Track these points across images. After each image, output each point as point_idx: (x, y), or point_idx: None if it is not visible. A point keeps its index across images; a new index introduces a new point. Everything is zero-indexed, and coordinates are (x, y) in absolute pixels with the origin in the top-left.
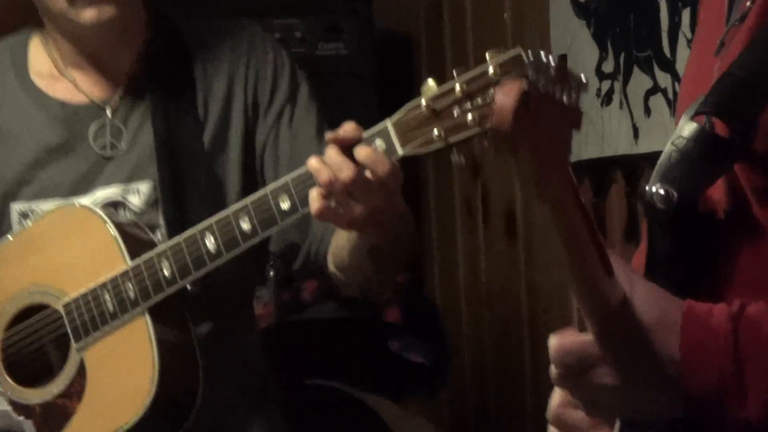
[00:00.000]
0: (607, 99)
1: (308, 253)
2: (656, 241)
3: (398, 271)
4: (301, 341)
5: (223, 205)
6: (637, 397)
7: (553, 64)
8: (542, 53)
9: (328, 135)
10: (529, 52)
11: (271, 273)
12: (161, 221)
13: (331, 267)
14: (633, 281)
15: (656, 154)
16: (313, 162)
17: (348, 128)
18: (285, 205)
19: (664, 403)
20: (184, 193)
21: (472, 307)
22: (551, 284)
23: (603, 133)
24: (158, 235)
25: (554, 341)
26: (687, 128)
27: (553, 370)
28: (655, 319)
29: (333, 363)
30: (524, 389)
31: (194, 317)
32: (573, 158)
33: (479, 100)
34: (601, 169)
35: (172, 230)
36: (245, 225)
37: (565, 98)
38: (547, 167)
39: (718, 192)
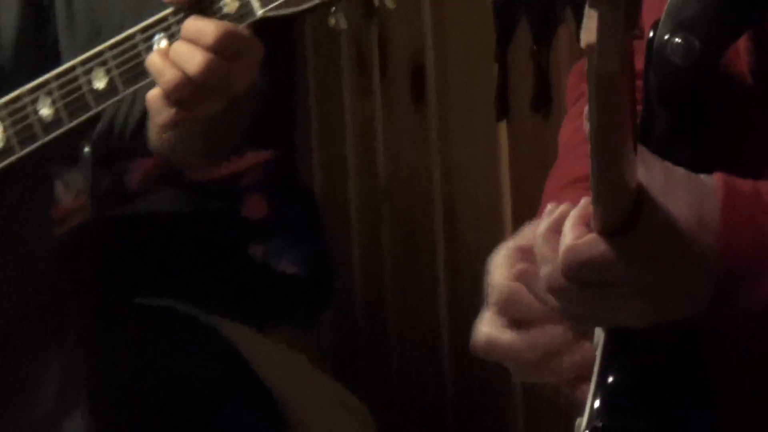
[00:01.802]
0: None
1: (111, 123)
2: (653, 109)
3: (242, 130)
4: (126, 245)
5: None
6: (657, 307)
7: None
8: None
9: None
10: None
11: (85, 150)
12: None
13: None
14: (659, 178)
15: None
16: (153, 59)
17: None
18: (101, 83)
19: (687, 304)
20: None
21: (365, 197)
22: (474, 162)
23: None
24: None
25: (571, 239)
26: None
27: (554, 272)
28: (688, 218)
29: (170, 275)
30: (437, 310)
31: None
32: None
33: None
34: (544, 5)
35: None
36: (46, 110)
37: None
38: (634, 19)
39: (740, 42)
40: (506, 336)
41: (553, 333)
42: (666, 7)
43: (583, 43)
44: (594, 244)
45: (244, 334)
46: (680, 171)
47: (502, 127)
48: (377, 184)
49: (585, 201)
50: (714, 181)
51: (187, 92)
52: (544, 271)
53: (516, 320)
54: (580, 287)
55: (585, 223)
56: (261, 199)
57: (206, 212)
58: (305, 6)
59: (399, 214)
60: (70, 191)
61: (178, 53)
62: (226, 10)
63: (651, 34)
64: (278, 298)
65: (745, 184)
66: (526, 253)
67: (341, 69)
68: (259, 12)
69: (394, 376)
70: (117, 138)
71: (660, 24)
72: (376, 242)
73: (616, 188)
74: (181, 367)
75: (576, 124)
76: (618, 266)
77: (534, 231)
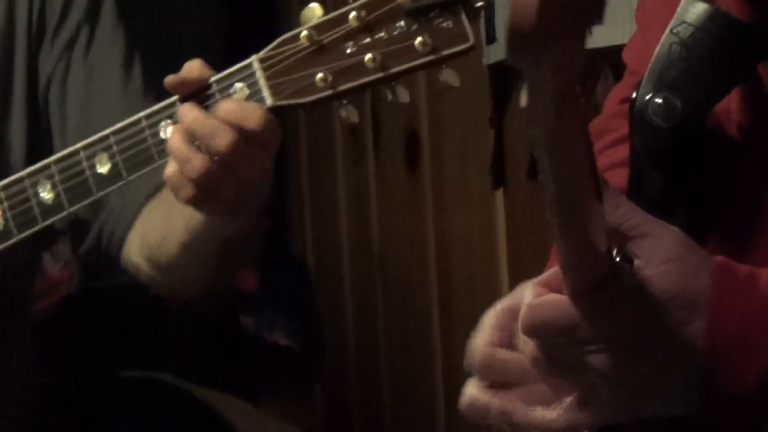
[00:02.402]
0: None
1: (99, 236)
2: (642, 172)
3: (241, 269)
4: (114, 316)
5: (6, 168)
6: (636, 389)
7: None
8: None
9: (169, 79)
10: None
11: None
12: None
13: (136, 257)
14: (650, 236)
15: (617, 50)
16: (193, 113)
17: (192, 67)
18: (104, 168)
19: (662, 403)
20: None
21: (358, 267)
22: (470, 232)
23: None
24: None
25: (529, 301)
26: (692, 10)
27: (528, 346)
28: (672, 283)
29: (161, 347)
30: (434, 384)
31: None
32: (496, 56)
33: (383, 34)
34: None
35: None
36: (46, 194)
37: None
38: (567, 78)
39: (730, 101)
40: (488, 398)
41: (534, 391)
42: (649, 65)
43: (521, 103)
44: (555, 302)
45: (235, 407)
46: (682, 244)
47: (499, 196)
48: (371, 254)
49: (555, 269)
50: (711, 259)
51: (214, 175)
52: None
53: (496, 382)
54: (550, 350)
55: (546, 285)
56: (252, 271)
57: None
58: (315, 97)
59: (393, 283)
60: (57, 262)
61: (207, 130)
62: (236, 97)
63: (633, 94)
64: (270, 371)
65: (743, 269)
66: (515, 314)
67: (333, 136)
68: (270, 100)
69: None
70: (104, 248)
71: (642, 83)
72: (370, 313)
73: (581, 248)
74: None
75: None
76: (580, 323)
77: (523, 292)
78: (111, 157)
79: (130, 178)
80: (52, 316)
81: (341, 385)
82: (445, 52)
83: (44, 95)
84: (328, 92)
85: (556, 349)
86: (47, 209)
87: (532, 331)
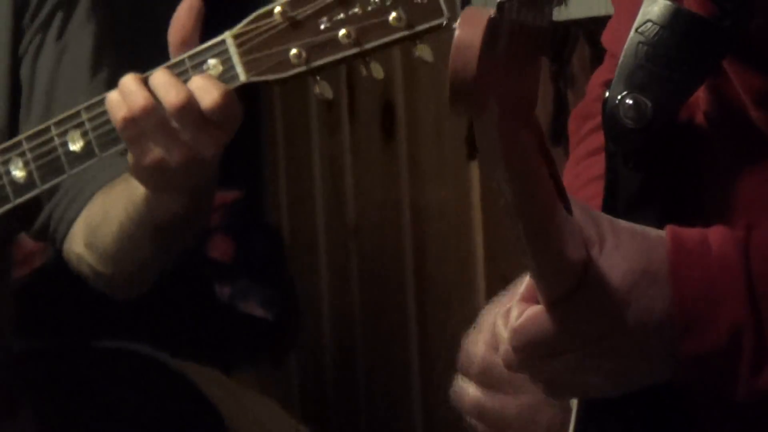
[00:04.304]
0: None
1: (48, 219)
2: (617, 173)
3: (176, 256)
4: (87, 286)
5: None
6: (617, 375)
7: None
8: None
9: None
10: None
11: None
12: None
13: (78, 247)
14: (602, 235)
15: (597, 20)
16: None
17: (175, 37)
18: (76, 145)
19: (648, 373)
20: None
21: (333, 236)
22: (445, 201)
23: None
24: None
25: (513, 324)
26: (655, 9)
27: (507, 352)
28: (632, 272)
29: (133, 317)
30: (408, 352)
31: None
32: None
33: (357, 9)
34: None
35: None
36: (18, 172)
37: (535, 18)
38: (516, 120)
39: (697, 94)
40: (478, 395)
41: (528, 394)
42: (618, 65)
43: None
44: (534, 319)
45: (210, 378)
46: (625, 225)
47: (474, 165)
48: (346, 223)
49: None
50: (659, 232)
51: (162, 129)
52: (501, 350)
53: (491, 385)
54: (535, 361)
55: (528, 299)
56: (227, 240)
57: None
58: (289, 73)
59: (368, 253)
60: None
61: (162, 83)
62: (210, 72)
63: (606, 94)
64: (245, 340)
65: (693, 232)
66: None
67: (309, 105)
68: (243, 77)
69: (363, 418)
70: (51, 230)
71: (612, 84)
72: (345, 281)
73: (550, 257)
74: (145, 412)
75: (578, 168)
76: (561, 335)
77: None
78: (84, 135)
79: (103, 155)
80: (27, 286)
81: (316, 354)
82: (419, 28)
83: (15, 71)
84: (302, 68)
85: (544, 358)
86: (19, 187)
87: (521, 355)
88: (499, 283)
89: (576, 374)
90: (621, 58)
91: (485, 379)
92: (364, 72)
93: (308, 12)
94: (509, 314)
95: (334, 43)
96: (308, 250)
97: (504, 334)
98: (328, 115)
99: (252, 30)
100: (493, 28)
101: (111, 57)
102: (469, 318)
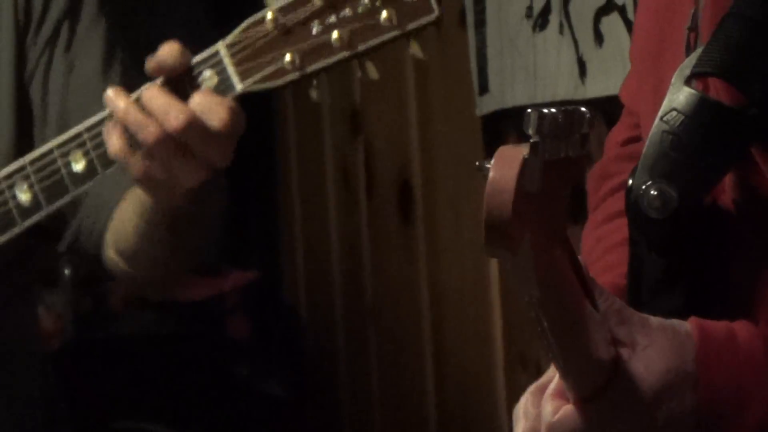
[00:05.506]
0: (541, 20)
1: (78, 232)
2: (642, 260)
3: (204, 248)
4: (106, 367)
5: None
6: None
7: (560, 117)
8: (549, 111)
9: (149, 61)
10: (530, 112)
11: (66, 271)
12: None
13: (111, 252)
14: (633, 335)
15: (611, 100)
16: (121, 104)
17: (169, 52)
18: (78, 165)
19: None
20: None
21: (351, 316)
22: (463, 282)
23: (535, 69)
24: None
25: (551, 411)
26: (681, 98)
27: None
28: (663, 365)
29: (153, 397)
30: (426, 430)
31: None
32: (488, 107)
33: (348, 11)
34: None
35: None
36: (23, 195)
37: (568, 149)
38: (548, 242)
39: (725, 184)
40: None
41: None
42: (642, 155)
43: None
44: (569, 416)
45: None
46: (655, 322)
47: None
48: (364, 304)
49: None
50: (686, 326)
51: (165, 149)
52: (523, 427)
53: None
54: None
55: (561, 395)
56: (245, 320)
57: (188, 334)
58: (284, 80)
59: (387, 334)
60: (50, 313)
61: (159, 105)
62: (206, 85)
63: (630, 181)
64: (262, 419)
65: (719, 327)
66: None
67: (326, 186)
68: (239, 87)
69: None
70: (84, 245)
71: (636, 172)
72: (363, 362)
73: (578, 357)
74: None
75: (598, 232)
76: (593, 431)
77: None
78: (85, 154)
79: (106, 172)
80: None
81: None
82: (411, 26)
83: (27, 90)
84: (297, 74)
85: None
86: (25, 210)
87: None
88: (517, 364)
89: None
90: (645, 147)
91: None
92: (359, 73)
93: (299, 17)
94: (536, 394)
95: (327, 47)
96: (326, 329)
97: (530, 410)
98: (346, 195)
99: (245, 38)
100: (527, 168)
101: (121, 61)
102: (488, 399)
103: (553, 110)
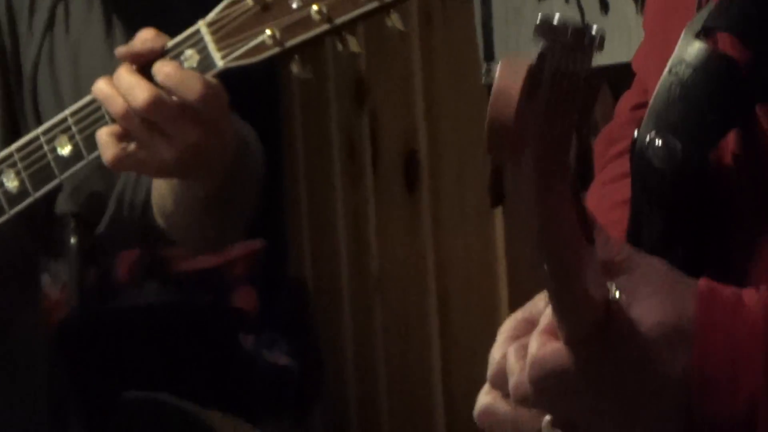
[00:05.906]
0: None
1: (119, 206)
2: (643, 215)
3: (247, 216)
4: (114, 338)
5: None
6: (630, 424)
7: (569, 29)
8: (560, 19)
9: (119, 50)
10: (541, 16)
11: (72, 240)
12: None
13: (160, 219)
14: (654, 272)
15: (619, 68)
16: (100, 86)
17: (145, 37)
18: (64, 150)
19: (660, 428)
20: None
21: (357, 288)
22: (468, 251)
23: None
24: None
25: (537, 345)
26: (690, 50)
27: (521, 384)
28: (661, 317)
29: (160, 368)
30: (433, 403)
31: None
32: (494, 76)
33: None
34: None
35: None
36: (11, 183)
37: (575, 64)
38: (551, 163)
39: (727, 138)
40: (502, 406)
41: None
42: (648, 107)
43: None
44: (556, 353)
45: (234, 428)
46: (662, 272)
47: (497, 213)
48: (369, 274)
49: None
50: (694, 285)
51: (137, 127)
52: (511, 382)
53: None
54: (550, 396)
55: (550, 332)
56: (251, 291)
57: (194, 304)
58: (264, 56)
59: (392, 304)
60: (56, 283)
61: (125, 83)
62: (187, 64)
63: (635, 134)
64: (269, 390)
65: (727, 291)
66: (531, 326)
67: (332, 157)
68: (220, 63)
69: None
70: (128, 215)
71: (642, 124)
72: (369, 333)
73: (576, 300)
74: None
75: (603, 191)
76: (580, 374)
77: (541, 302)
78: (71, 138)
79: (91, 157)
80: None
81: (340, 406)
82: None
83: (32, 80)
84: (277, 49)
85: (558, 400)
86: (13, 197)
87: (537, 387)
88: None
89: (589, 417)
90: (652, 98)
91: (499, 385)
92: (340, 47)
93: None
94: (520, 348)
95: (306, 21)
96: (332, 300)
97: (514, 363)
98: (351, 166)
99: (225, 16)
100: (532, 76)
101: (121, 30)
102: None
103: (564, 20)
